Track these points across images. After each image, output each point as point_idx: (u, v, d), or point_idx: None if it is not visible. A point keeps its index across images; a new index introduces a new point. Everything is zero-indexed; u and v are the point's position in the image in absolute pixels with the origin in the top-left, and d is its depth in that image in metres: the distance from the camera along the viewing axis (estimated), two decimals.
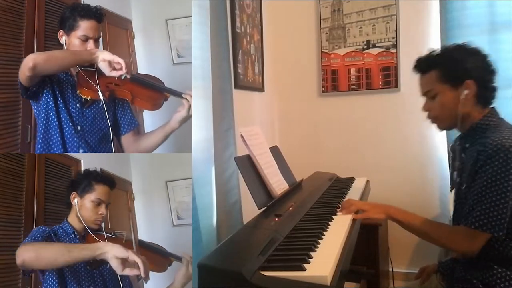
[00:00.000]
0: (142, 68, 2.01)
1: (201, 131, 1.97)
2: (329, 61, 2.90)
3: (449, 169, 2.54)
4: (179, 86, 1.81)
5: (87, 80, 1.37)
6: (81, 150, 1.40)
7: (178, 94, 1.44)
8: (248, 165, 1.57)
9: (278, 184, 1.65)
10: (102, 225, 1.41)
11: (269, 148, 1.78)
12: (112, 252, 1.11)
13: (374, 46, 2.78)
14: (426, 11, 2.64)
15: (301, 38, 2.98)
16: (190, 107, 1.41)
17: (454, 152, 1.88)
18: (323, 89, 2.93)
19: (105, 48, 1.84)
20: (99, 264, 1.33)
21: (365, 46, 2.81)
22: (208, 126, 1.99)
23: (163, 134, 1.47)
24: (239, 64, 2.40)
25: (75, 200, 1.37)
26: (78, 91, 1.37)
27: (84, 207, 1.37)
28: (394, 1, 2.71)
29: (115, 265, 1.11)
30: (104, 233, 1.38)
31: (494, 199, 1.25)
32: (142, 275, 1.12)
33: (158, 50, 2.03)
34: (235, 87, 2.31)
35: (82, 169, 1.78)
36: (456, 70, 1.37)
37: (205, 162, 1.99)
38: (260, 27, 2.73)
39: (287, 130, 3.04)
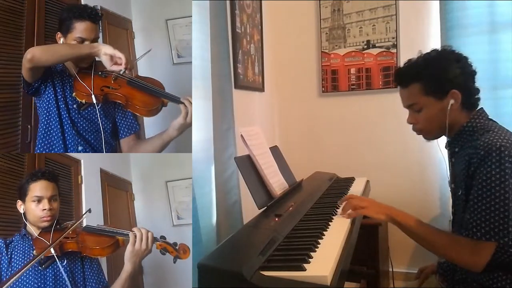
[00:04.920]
0: (142, 68, 2.01)
1: (201, 131, 1.97)
2: (329, 61, 2.90)
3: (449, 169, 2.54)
4: (179, 86, 1.81)
5: (82, 84, 1.36)
6: (80, 147, 1.39)
7: (176, 100, 1.39)
8: (248, 165, 1.57)
9: (278, 184, 1.65)
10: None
11: (269, 148, 1.78)
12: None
13: (374, 46, 2.78)
14: (426, 11, 2.64)
15: (301, 38, 2.97)
16: (188, 113, 1.36)
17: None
18: (323, 89, 2.93)
19: None
20: (51, 263, 1.31)
21: (365, 46, 2.81)
22: (208, 126, 1.99)
23: (161, 143, 1.44)
24: (239, 64, 2.40)
25: (22, 207, 1.36)
26: (74, 94, 1.37)
27: (28, 211, 1.35)
28: (394, 1, 2.70)
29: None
30: (52, 230, 1.35)
31: (493, 203, 1.18)
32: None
33: (158, 50, 2.02)
34: (235, 87, 2.30)
35: (82, 169, 1.79)
36: (440, 82, 1.32)
37: (205, 162, 1.99)
38: (260, 27, 2.73)
39: (287, 130, 3.03)
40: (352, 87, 2.86)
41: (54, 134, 1.38)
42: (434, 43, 2.57)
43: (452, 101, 1.32)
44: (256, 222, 1.38)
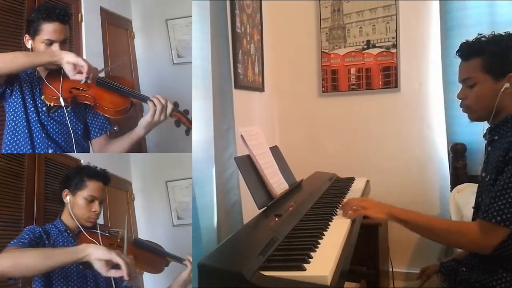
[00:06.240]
0: (142, 68, 2.01)
1: (201, 131, 1.97)
2: (329, 61, 2.90)
3: (449, 169, 2.54)
4: (179, 86, 1.81)
5: (50, 87, 1.33)
6: (50, 150, 1.36)
7: (143, 99, 1.38)
8: (248, 165, 1.57)
9: (278, 184, 1.65)
10: (98, 223, 1.37)
11: (269, 148, 1.78)
12: (94, 255, 1.05)
13: (374, 46, 2.78)
14: (426, 11, 2.64)
15: (301, 38, 2.97)
16: (155, 112, 1.34)
17: (456, 152, 1.85)
18: (323, 89, 2.93)
19: (105, 49, 1.84)
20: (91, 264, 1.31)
21: (365, 46, 2.81)
22: (208, 126, 1.99)
23: (130, 141, 1.42)
24: (239, 64, 2.40)
25: (68, 198, 1.33)
26: (42, 97, 1.34)
27: (76, 205, 1.32)
28: (394, 1, 2.70)
29: (98, 266, 1.05)
30: (98, 231, 1.34)
31: None
32: (125, 277, 1.06)
33: (158, 50, 2.03)
34: (235, 87, 2.31)
35: None
36: (501, 61, 1.30)
37: (205, 162, 1.99)
38: (260, 27, 2.73)
39: (287, 130, 3.03)
40: (352, 87, 2.86)
41: (21, 139, 1.34)
42: (434, 43, 2.58)
43: (507, 85, 1.29)
44: (256, 222, 1.37)
